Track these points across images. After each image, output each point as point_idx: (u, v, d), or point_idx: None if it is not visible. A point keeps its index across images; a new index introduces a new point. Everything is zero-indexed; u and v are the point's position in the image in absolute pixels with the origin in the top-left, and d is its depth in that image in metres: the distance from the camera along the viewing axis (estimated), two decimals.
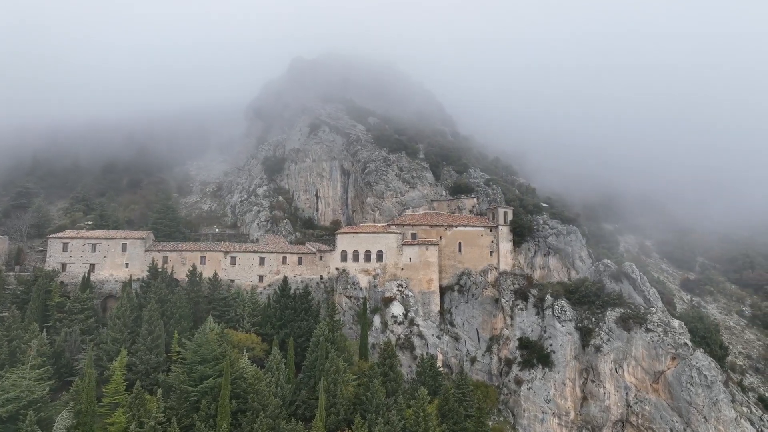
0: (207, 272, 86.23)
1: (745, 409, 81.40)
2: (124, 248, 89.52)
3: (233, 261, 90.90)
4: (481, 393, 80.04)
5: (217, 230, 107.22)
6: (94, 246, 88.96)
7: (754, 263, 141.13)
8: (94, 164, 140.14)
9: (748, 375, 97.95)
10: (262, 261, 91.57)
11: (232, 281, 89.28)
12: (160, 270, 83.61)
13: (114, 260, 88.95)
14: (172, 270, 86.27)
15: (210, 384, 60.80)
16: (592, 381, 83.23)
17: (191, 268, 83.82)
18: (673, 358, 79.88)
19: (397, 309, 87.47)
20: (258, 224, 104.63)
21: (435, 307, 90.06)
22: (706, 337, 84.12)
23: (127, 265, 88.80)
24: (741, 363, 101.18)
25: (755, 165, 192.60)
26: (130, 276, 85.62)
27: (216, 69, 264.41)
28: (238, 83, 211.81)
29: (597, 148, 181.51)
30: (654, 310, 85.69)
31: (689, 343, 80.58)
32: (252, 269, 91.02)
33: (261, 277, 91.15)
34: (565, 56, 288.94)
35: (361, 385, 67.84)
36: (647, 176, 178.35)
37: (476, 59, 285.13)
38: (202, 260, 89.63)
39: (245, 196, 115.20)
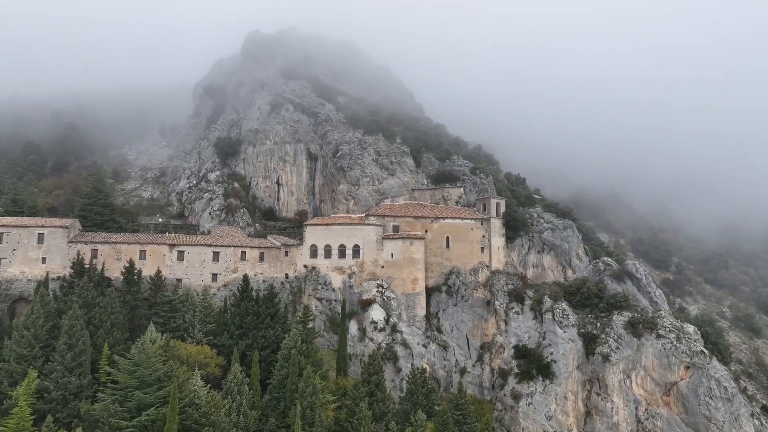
0: (148, 269, 71.54)
1: (757, 422, 74.68)
2: (40, 239, 72.99)
3: (180, 256, 76.38)
4: (476, 410, 69.26)
5: (160, 220, 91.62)
6: (0, 236, 71.68)
7: (728, 263, 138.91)
8: (12, 144, 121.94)
9: (741, 381, 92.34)
10: (216, 256, 77.31)
11: (180, 281, 74.95)
12: (87, 266, 68.53)
13: (27, 254, 72.14)
14: (104, 266, 71.23)
15: (151, 416, 47.01)
16: (597, 394, 74.07)
17: (128, 265, 68.78)
18: (687, 368, 71.76)
19: (377, 313, 75.49)
20: (210, 214, 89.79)
21: (420, 310, 78.51)
22: (717, 344, 76.70)
23: (44, 260, 72.58)
24: (734, 368, 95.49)
25: (716, 166, 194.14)
26: (48, 273, 70.01)
27: (159, 45, 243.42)
28: (184, 61, 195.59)
29: (565, 146, 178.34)
30: (663, 313, 77.55)
31: (705, 351, 72.70)
32: (204, 266, 76.65)
33: (215, 276, 76.89)
34: (533, 56, 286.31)
35: (343, 407, 55.69)
36: (612, 175, 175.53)
37: (443, 52, 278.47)
38: (142, 255, 74.86)
39: (194, 181, 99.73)
